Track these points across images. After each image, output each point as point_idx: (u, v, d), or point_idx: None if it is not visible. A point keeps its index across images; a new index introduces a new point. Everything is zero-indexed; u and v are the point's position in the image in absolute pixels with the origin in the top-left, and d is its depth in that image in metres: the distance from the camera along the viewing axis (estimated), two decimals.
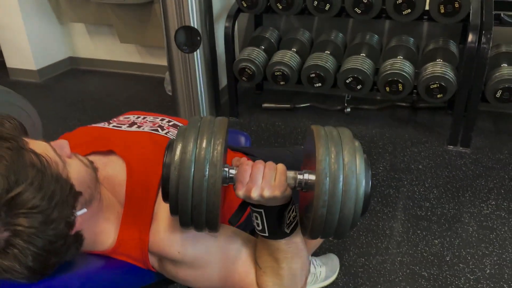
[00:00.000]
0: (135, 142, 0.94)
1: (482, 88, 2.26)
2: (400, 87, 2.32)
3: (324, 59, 2.49)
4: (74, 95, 3.32)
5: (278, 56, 2.58)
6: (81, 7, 3.32)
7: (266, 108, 2.93)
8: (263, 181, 0.74)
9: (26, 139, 0.72)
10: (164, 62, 2.83)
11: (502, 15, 2.32)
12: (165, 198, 0.71)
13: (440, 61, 2.35)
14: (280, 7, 2.45)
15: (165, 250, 0.82)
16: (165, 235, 0.82)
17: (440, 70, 2.26)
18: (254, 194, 0.73)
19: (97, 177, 0.83)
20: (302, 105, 2.93)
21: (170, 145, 0.72)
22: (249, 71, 2.61)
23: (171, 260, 0.84)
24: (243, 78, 2.65)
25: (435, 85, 2.25)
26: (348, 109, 2.79)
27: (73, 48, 3.76)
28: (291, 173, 0.76)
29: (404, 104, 2.85)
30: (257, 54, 2.63)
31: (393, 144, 2.48)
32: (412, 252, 1.73)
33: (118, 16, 3.18)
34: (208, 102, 2.73)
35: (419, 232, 1.83)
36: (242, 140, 1.41)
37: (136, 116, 1.08)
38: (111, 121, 1.05)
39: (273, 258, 0.84)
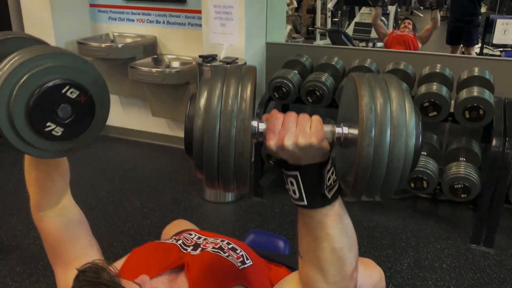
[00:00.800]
0: (199, 264, 0.99)
1: (506, 191, 2.32)
2: (425, 184, 2.39)
3: None
4: (103, 163, 3.43)
5: None
6: (118, 82, 3.51)
7: None
8: (298, 128, 0.66)
9: (114, 271, 0.79)
10: None
11: None
12: (189, 151, 0.66)
13: (463, 160, 2.43)
14: (310, 100, 2.59)
15: None
16: None
17: (464, 172, 2.33)
18: (288, 142, 0.65)
19: None
20: None
21: (193, 96, 0.66)
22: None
23: None
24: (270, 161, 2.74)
25: (459, 185, 2.32)
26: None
27: None
28: (328, 126, 0.68)
29: (425, 195, 2.90)
30: None
31: (416, 238, 2.50)
32: None
33: (153, 93, 3.35)
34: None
35: None
36: (281, 245, 1.44)
37: (197, 235, 1.14)
38: (176, 237, 1.12)
39: (313, 237, 0.73)
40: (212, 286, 0.93)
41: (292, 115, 0.68)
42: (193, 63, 3.07)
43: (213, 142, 0.60)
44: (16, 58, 0.70)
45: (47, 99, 0.72)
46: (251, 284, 0.98)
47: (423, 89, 2.39)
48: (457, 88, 2.51)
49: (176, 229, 1.41)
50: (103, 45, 3.29)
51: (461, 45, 5.36)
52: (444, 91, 2.35)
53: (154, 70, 3.13)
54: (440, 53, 2.94)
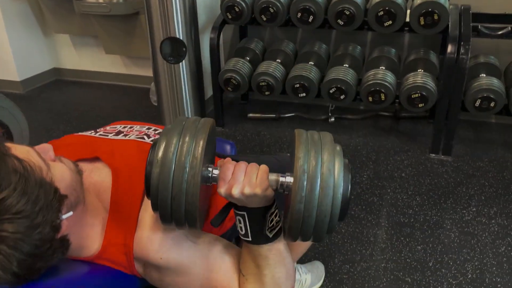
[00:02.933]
0: (121, 150, 0.95)
1: (462, 97, 2.32)
2: (383, 97, 2.37)
3: (308, 70, 2.53)
4: (58, 107, 3.30)
5: (263, 67, 2.62)
6: (66, 19, 3.32)
7: (251, 118, 2.95)
8: (245, 178, 0.76)
9: (9, 145, 0.72)
10: (149, 73, 2.84)
11: (479, 27, 2.40)
12: (148, 194, 0.74)
13: (421, 71, 2.40)
14: (265, 19, 2.49)
15: (149, 255, 0.83)
16: (148, 241, 0.83)
17: (421, 80, 2.31)
18: (235, 191, 0.75)
19: (82, 181, 0.83)
20: (287, 115, 2.96)
21: (154, 144, 0.74)
22: (234, 82, 2.63)
23: (155, 266, 0.85)
24: (229, 88, 2.67)
25: (417, 95, 2.30)
26: (332, 119, 2.83)
27: (57, 59, 3.75)
28: (273, 175, 0.77)
29: (386, 113, 2.90)
30: (242, 65, 2.66)
31: (376, 153, 2.52)
32: (396, 258, 1.76)
33: (103, 27, 3.18)
34: (193, 112, 2.74)
35: (402, 238, 1.86)
36: (228, 148, 1.42)
37: (122, 125, 1.09)
38: (97, 130, 1.06)
39: (256, 264, 0.84)
40: (136, 172, 0.87)
41: (241, 166, 0.77)
42: None
43: (167, 192, 0.71)
44: None
45: None
46: None
47: None
48: None
49: None
50: None
51: None
52: None
53: (101, 0, 2.94)
54: None
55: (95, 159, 0.92)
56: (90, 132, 1.04)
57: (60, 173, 0.77)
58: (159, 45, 2.59)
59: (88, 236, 0.83)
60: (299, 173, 0.69)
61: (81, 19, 3.26)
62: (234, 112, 3.06)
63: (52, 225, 0.71)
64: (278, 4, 2.44)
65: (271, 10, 2.45)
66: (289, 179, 0.76)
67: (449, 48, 2.23)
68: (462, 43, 2.22)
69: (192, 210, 0.72)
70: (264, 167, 0.78)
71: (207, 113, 2.91)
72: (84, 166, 0.88)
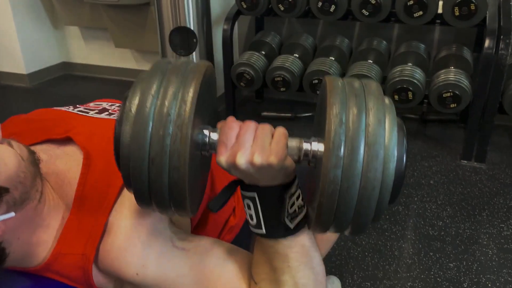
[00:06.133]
0: (103, 131, 0.75)
1: (500, 98, 2.08)
2: (410, 95, 2.14)
3: (328, 65, 2.32)
4: (65, 101, 3.15)
5: (279, 61, 2.42)
6: (76, 10, 3.19)
7: (265, 116, 2.75)
8: (254, 143, 0.54)
9: None
10: None
11: None
12: (118, 163, 0.54)
13: (453, 68, 2.17)
14: (282, 8, 2.29)
15: (121, 270, 0.64)
16: (120, 251, 0.63)
17: (454, 78, 2.08)
18: (241, 160, 0.53)
19: (39, 172, 0.65)
20: (303, 115, 2.75)
21: (126, 96, 0.53)
22: (247, 76, 2.44)
23: (128, 283, 0.65)
24: (242, 83, 2.48)
25: (448, 94, 2.07)
26: None
27: (66, 53, 3.62)
28: (294, 140, 0.56)
29: (413, 116, 2.67)
30: (256, 58, 2.47)
31: None
32: (424, 277, 1.53)
33: (113, 19, 3.04)
34: None
35: (431, 254, 1.63)
36: None
37: (109, 103, 0.90)
38: (78, 106, 0.87)
39: (272, 267, 0.62)
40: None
41: (249, 125, 0.55)
42: None
43: (142, 152, 0.49)
44: None
45: None
46: None
47: None
48: None
49: None
50: None
51: None
52: None
53: None
54: None
55: (67, 140, 0.73)
56: (67, 107, 0.86)
57: (3, 159, 0.58)
58: (168, 36, 2.42)
59: (39, 242, 0.64)
60: (333, 125, 0.48)
61: (91, 11, 3.13)
62: (248, 111, 2.87)
63: None
64: None
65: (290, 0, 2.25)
66: (316, 145, 0.54)
67: (487, 43, 2.00)
68: (502, 37, 1.98)
69: (179, 179, 0.50)
70: (281, 128, 0.57)
71: (219, 110, 2.72)
72: (50, 149, 0.70)
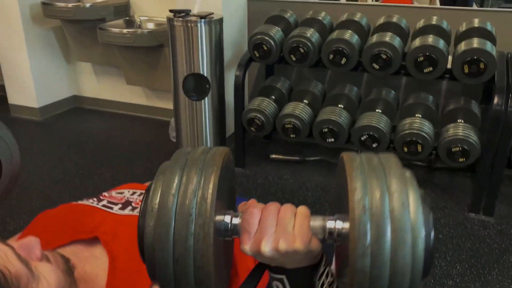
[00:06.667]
0: (127, 230, 0.76)
1: (508, 153, 2.11)
2: (419, 148, 2.17)
3: (338, 114, 2.36)
4: (74, 136, 3.19)
5: (290, 108, 2.46)
6: (89, 47, 3.25)
7: (274, 159, 2.78)
8: (277, 228, 0.54)
9: None
10: (171, 105, 2.72)
11: None
12: (142, 257, 0.54)
13: (461, 122, 2.21)
14: (294, 59, 2.34)
15: None
16: None
17: (463, 133, 2.11)
18: (266, 248, 0.53)
19: (74, 280, 0.66)
20: (312, 158, 2.78)
21: (148, 188, 0.54)
22: (258, 122, 2.48)
23: None
24: (252, 128, 2.51)
25: (457, 149, 2.10)
26: None
27: (78, 86, 3.68)
28: (317, 219, 0.55)
29: (420, 163, 2.69)
30: (267, 104, 2.51)
31: None
32: None
33: (126, 58, 3.10)
34: None
35: None
36: None
37: (131, 191, 0.91)
38: (101, 197, 0.89)
39: None
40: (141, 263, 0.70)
41: (271, 209, 0.55)
42: None
43: (167, 252, 0.50)
44: None
45: None
46: None
47: (417, 42, 2.15)
48: (455, 42, 2.27)
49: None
50: (69, 5, 3.01)
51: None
52: (441, 43, 2.11)
53: (124, 31, 2.87)
54: (436, 6, 2.68)
55: (94, 240, 0.75)
56: (92, 200, 0.88)
57: (47, 280, 0.60)
58: (182, 81, 2.47)
59: None
60: (357, 212, 0.47)
61: (104, 49, 3.19)
62: (256, 152, 2.89)
63: None
64: (309, 44, 2.30)
65: (301, 50, 2.30)
66: (340, 224, 0.54)
67: (496, 100, 2.04)
68: (510, 95, 2.02)
69: (204, 277, 0.50)
70: (303, 209, 0.56)
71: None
72: (79, 251, 0.71)
